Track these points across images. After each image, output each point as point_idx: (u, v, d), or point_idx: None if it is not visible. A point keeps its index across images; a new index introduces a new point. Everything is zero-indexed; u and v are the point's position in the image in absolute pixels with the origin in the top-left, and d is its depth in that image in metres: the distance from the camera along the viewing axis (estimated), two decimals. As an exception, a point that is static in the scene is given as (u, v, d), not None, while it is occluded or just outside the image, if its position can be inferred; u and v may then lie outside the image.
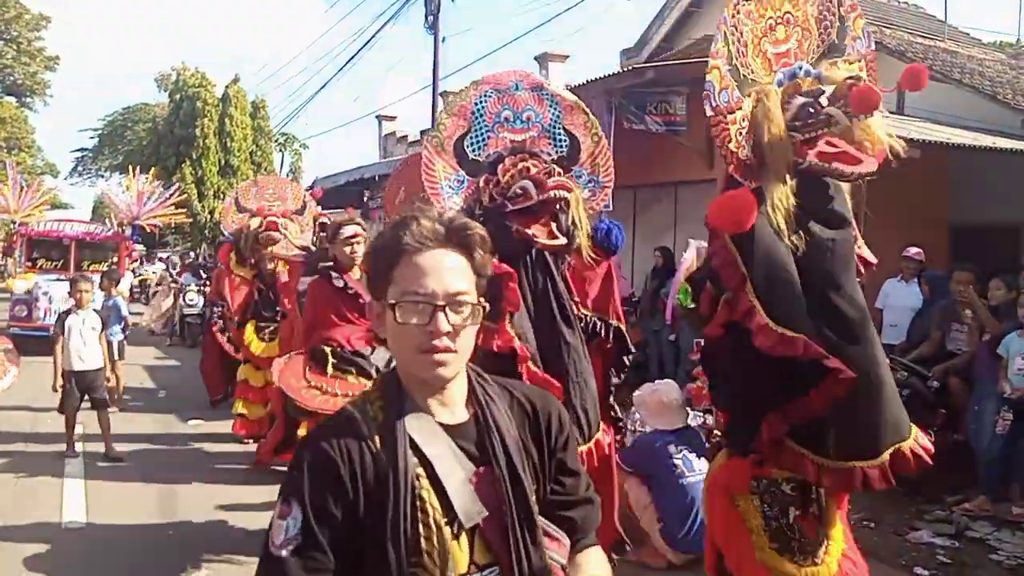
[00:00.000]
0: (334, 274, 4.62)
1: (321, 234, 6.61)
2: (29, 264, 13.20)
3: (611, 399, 3.88)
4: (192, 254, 24.02)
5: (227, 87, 28.58)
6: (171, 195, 14.80)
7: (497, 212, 3.29)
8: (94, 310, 6.72)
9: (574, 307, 3.58)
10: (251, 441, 6.83)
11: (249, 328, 6.81)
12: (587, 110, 3.64)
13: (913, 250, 7.28)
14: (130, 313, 9.94)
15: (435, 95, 16.91)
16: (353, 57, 27.01)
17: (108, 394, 6.78)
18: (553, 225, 3.39)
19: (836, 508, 2.71)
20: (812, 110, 2.47)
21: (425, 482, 1.32)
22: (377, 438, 1.33)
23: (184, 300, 13.19)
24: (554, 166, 3.47)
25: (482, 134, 3.51)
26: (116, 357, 7.84)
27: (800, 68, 2.56)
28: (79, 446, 6.50)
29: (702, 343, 5.89)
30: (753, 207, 2.32)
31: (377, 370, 4.28)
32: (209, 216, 26.10)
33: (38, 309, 11.83)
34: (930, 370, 5.95)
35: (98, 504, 5.28)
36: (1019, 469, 5.37)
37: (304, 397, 4.34)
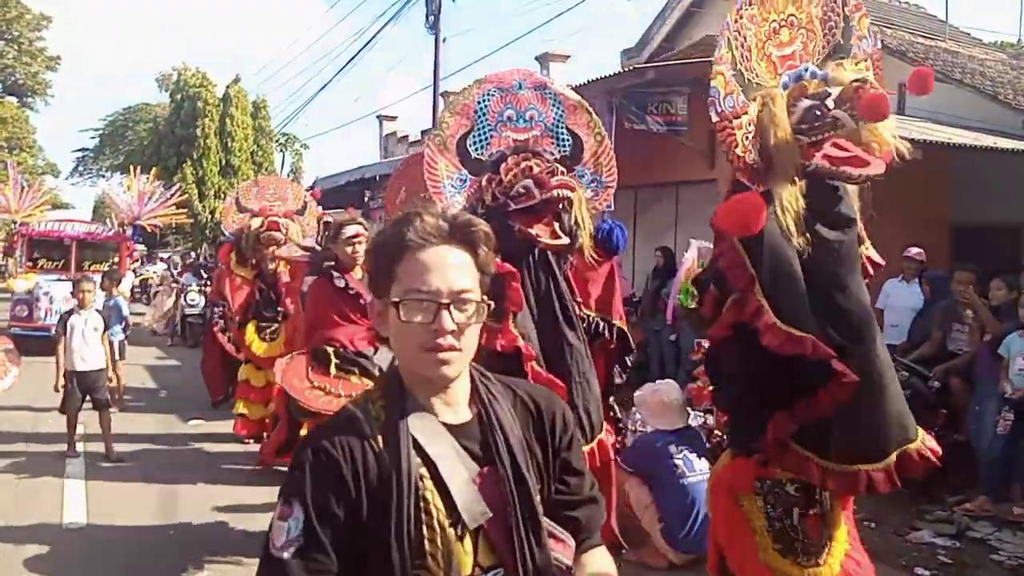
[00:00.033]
0: (335, 274, 4.60)
1: (325, 234, 6.60)
2: (30, 264, 13.19)
3: (611, 399, 3.88)
4: (193, 254, 24.01)
5: (228, 87, 28.59)
6: (172, 195, 14.80)
7: (499, 211, 3.29)
8: (96, 310, 6.72)
9: (576, 307, 3.57)
10: (252, 441, 6.83)
11: (250, 328, 6.81)
12: (590, 109, 3.64)
13: (914, 250, 7.28)
14: (131, 313, 9.95)
15: (436, 95, 16.91)
16: (354, 57, 26.97)
17: (109, 394, 6.77)
18: (556, 225, 3.39)
19: (840, 509, 2.70)
20: (818, 113, 2.47)
21: (429, 483, 1.30)
22: (380, 438, 1.31)
23: (185, 300, 13.19)
24: (557, 165, 3.47)
25: (485, 133, 3.51)
26: (117, 357, 7.84)
27: (806, 70, 2.56)
28: (80, 446, 6.50)
29: (704, 344, 5.91)
30: (762, 210, 2.32)
31: (380, 371, 4.27)
32: (210, 216, 26.09)
33: (39, 309, 11.82)
34: (931, 370, 5.95)
35: (99, 504, 5.28)
36: (1020, 469, 5.38)
37: (307, 398, 4.32)
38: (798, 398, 2.47)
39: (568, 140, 3.57)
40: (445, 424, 1.35)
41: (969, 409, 5.79)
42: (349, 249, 4.58)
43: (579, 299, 3.65)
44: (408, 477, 1.27)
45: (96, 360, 6.45)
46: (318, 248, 6.32)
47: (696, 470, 4.41)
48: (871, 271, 2.74)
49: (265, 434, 6.83)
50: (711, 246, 7.11)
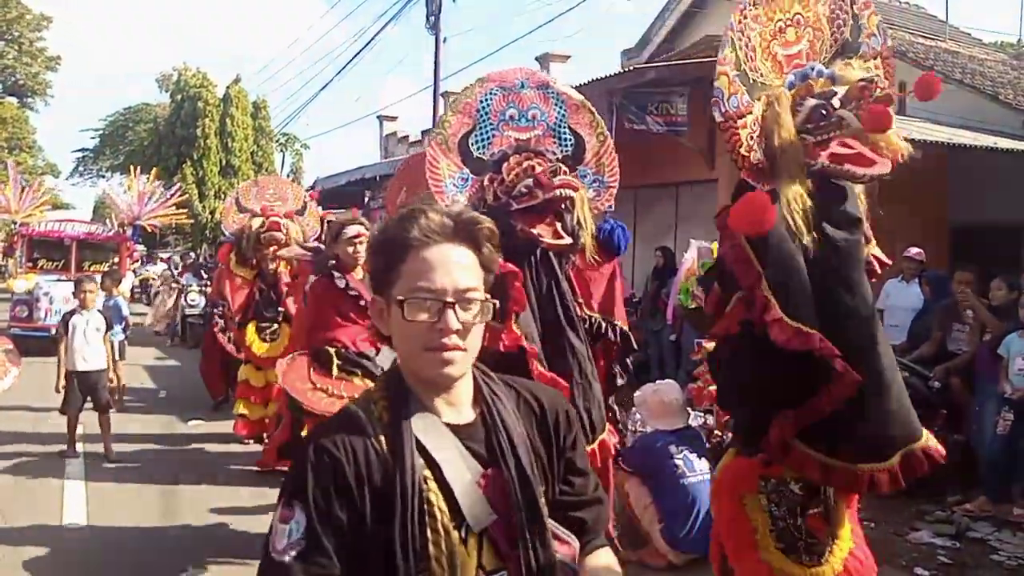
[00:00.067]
0: (336, 274, 4.57)
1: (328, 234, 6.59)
2: (30, 264, 13.19)
3: (611, 400, 3.87)
4: (193, 254, 24.01)
5: (228, 87, 28.62)
6: (172, 195, 14.80)
7: (501, 211, 3.28)
8: (98, 311, 6.72)
9: (578, 308, 3.57)
10: (252, 441, 6.83)
11: (250, 328, 6.80)
12: (593, 109, 3.62)
13: (914, 250, 7.29)
14: (131, 314, 9.95)
15: (436, 95, 16.92)
16: (354, 57, 27.01)
17: (109, 394, 6.76)
18: (558, 225, 3.38)
19: (845, 507, 2.70)
20: (824, 112, 2.47)
21: (432, 485, 1.27)
22: (382, 438, 1.28)
23: (186, 300, 13.19)
24: (560, 164, 3.46)
25: (487, 132, 3.49)
26: (117, 357, 7.84)
27: (812, 69, 2.55)
28: (80, 447, 6.50)
29: (704, 344, 5.91)
30: (772, 209, 2.32)
31: (383, 372, 4.24)
32: (210, 216, 26.11)
33: (39, 309, 11.82)
34: (931, 370, 5.95)
35: (99, 505, 5.28)
36: (1020, 469, 5.37)
37: (310, 400, 4.28)
38: (802, 397, 2.47)
39: (570, 140, 3.56)
40: (448, 425, 1.32)
41: (969, 409, 5.79)
42: (350, 249, 4.56)
43: (580, 300, 3.65)
44: (412, 479, 1.25)
45: (97, 360, 6.45)
46: (323, 248, 6.31)
47: (696, 470, 4.41)
48: (878, 270, 2.74)
49: (265, 435, 6.82)
50: (711, 246, 7.16)
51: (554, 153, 3.52)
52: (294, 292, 6.46)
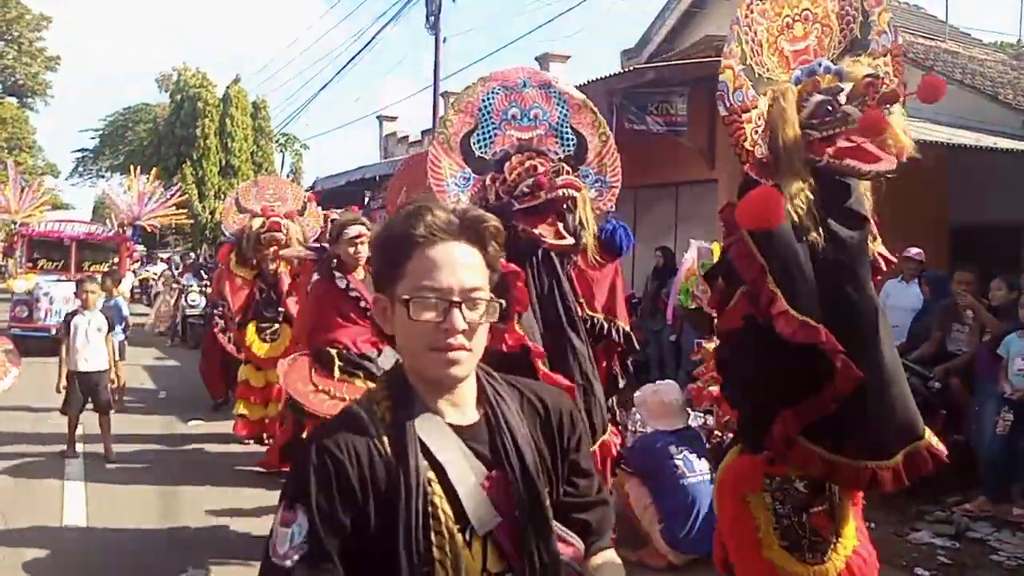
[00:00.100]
0: (337, 274, 4.55)
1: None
2: (30, 265, 13.18)
3: (611, 401, 3.87)
4: (192, 254, 24.02)
5: (228, 87, 28.62)
6: (172, 196, 14.80)
7: (503, 211, 3.28)
8: (100, 311, 6.72)
9: (579, 309, 3.56)
10: (252, 442, 6.83)
11: (250, 329, 6.80)
12: (595, 109, 3.62)
13: (913, 250, 7.29)
14: (131, 314, 9.94)
15: (436, 95, 16.92)
16: (354, 57, 26.99)
17: (111, 395, 6.75)
18: (560, 225, 3.37)
19: (850, 505, 2.70)
20: (830, 108, 2.46)
21: (437, 487, 1.25)
22: (385, 439, 1.25)
23: (186, 301, 13.19)
24: (562, 164, 3.45)
25: (489, 131, 3.49)
26: (117, 357, 7.84)
27: (819, 65, 2.55)
28: (79, 447, 6.49)
29: (704, 344, 5.91)
30: (781, 205, 2.31)
31: (384, 372, 4.21)
32: (210, 216, 26.11)
33: (39, 310, 11.82)
34: (931, 371, 5.95)
35: (99, 506, 5.28)
36: (1020, 470, 5.37)
37: (312, 402, 4.24)
38: (806, 392, 2.47)
39: (572, 139, 3.55)
40: (452, 426, 1.30)
41: (969, 409, 5.79)
42: (351, 249, 4.53)
43: (582, 300, 3.64)
44: (416, 481, 1.22)
45: (99, 361, 6.44)
46: (327, 247, 6.30)
47: (696, 471, 4.41)
48: (883, 267, 2.73)
49: (265, 435, 6.83)
50: (711, 246, 7.15)
51: (556, 153, 3.51)
52: (296, 292, 6.45)
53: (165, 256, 25.33)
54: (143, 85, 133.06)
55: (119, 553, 4.52)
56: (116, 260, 13.60)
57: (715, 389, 5.48)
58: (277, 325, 6.79)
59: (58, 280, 12.37)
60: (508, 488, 1.28)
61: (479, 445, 1.30)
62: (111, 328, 6.68)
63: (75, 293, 6.82)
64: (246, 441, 6.82)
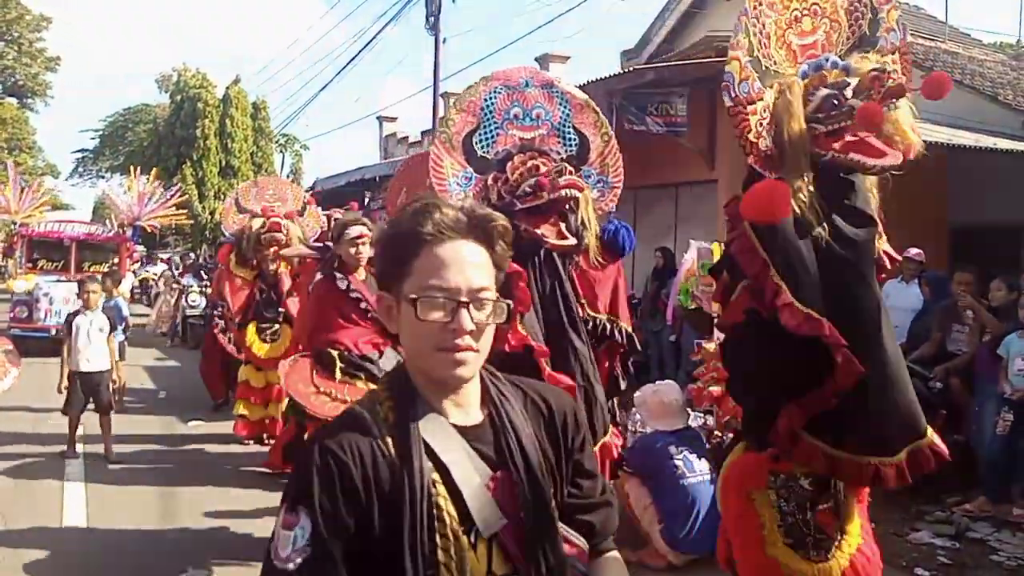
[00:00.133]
0: (338, 275, 4.53)
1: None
2: (30, 265, 13.18)
3: (612, 402, 3.86)
4: (192, 255, 24.03)
5: (228, 88, 28.64)
6: (172, 196, 14.80)
7: (505, 211, 3.27)
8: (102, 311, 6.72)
9: (580, 309, 3.55)
10: (252, 442, 6.83)
11: (251, 329, 6.80)
12: (597, 109, 3.61)
13: (913, 251, 7.29)
14: (131, 314, 9.94)
15: (436, 96, 16.93)
16: (354, 58, 27.01)
17: (112, 395, 6.74)
18: (562, 225, 3.37)
19: (855, 502, 2.69)
20: (836, 102, 2.46)
21: (441, 488, 1.22)
22: (389, 440, 1.23)
23: (187, 301, 13.19)
24: (565, 164, 3.44)
25: (491, 131, 3.48)
26: (117, 358, 7.84)
27: (827, 60, 2.54)
28: (79, 447, 6.49)
29: (704, 344, 5.91)
30: (787, 198, 2.31)
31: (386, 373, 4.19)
32: (210, 217, 26.13)
33: (39, 310, 11.82)
34: (931, 371, 5.95)
35: (99, 506, 5.28)
36: (1020, 470, 5.37)
37: (313, 404, 4.23)
38: (808, 386, 2.47)
39: (575, 140, 3.54)
40: (455, 426, 1.28)
41: (969, 409, 5.79)
42: (353, 250, 4.51)
43: (583, 301, 3.63)
44: (421, 482, 1.20)
45: (101, 361, 6.44)
46: (330, 246, 6.29)
47: (696, 471, 4.41)
48: (888, 265, 2.73)
49: (265, 435, 6.83)
50: (711, 247, 7.14)
51: (558, 153, 3.51)
52: (297, 292, 6.43)
53: (165, 256, 25.34)
54: (143, 85, 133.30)
55: (119, 553, 4.52)
56: (116, 260, 13.60)
57: (715, 389, 5.49)
58: (277, 325, 6.80)
59: (58, 280, 12.38)
60: (513, 489, 1.27)
61: (483, 446, 1.28)
62: (113, 328, 6.67)
63: (77, 293, 6.82)
64: (246, 441, 6.82)
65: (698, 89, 9.11)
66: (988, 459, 5.45)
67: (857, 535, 2.67)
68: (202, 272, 14.98)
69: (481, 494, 1.25)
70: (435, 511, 1.21)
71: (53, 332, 11.27)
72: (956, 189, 8.85)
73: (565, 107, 3.53)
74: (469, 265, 1.25)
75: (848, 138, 2.45)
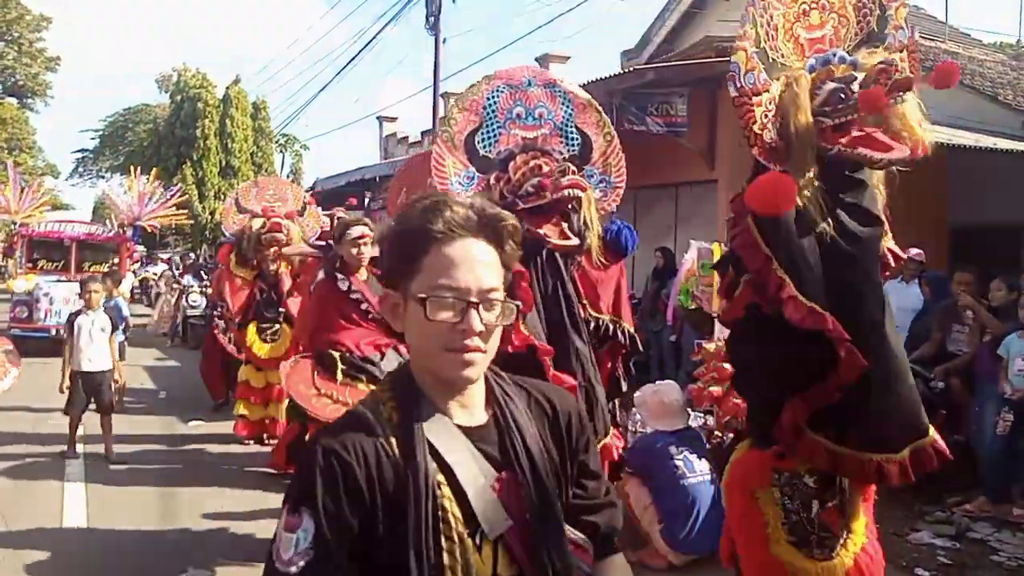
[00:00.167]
0: (339, 276, 4.52)
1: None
2: (30, 265, 13.18)
3: (613, 403, 3.85)
4: (192, 255, 24.03)
5: (228, 88, 28.65)
6: (172, 196, 14.81)
7: (507, 210, 3.26)
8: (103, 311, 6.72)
9: (581, 310, 3.54)
10: (252, 442, 6.83)
11: (251, 329, 6.80)
12: (600, 108, 3.59)
13: (913, 251, 7.28)
14: (132, 315, 9.93)
15: (436, 96, 16.94)
16: (354, 58, 27.01)
17: (118, 394, 6.73)
18: (564, 225, 3.36)
19: (861, 501, 2.69)
20: (843, 96, 2.45)
21: (446, 490, 1.20)
22: (393, 440, 1.21)
23: (187, 301, 13.19)
24: (568, 164, 3.44)
25: (493, 130, 3.47)
26: (117, 358, 7.85)
27: (834, 55, 2.54)
28: (79, 447, 6.49)
29: (704, 344, 5.91)
30: (792, 191, 2.30)
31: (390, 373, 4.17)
32: (210, 217, 26.14)
33: (39, 310, 11.82)
34: (931, 371, 5.95)
35: (99, 506, 5.28)
36: (1020, 470, 5.37)
37: (315, 407, 4.21)
38: (810, 381, 2.47)
39: (577, 139, 3.53)
40: (460, 427, 1.26)
41: (969, 410, 5.79)
42: (354, 250, 4.50)
43: (585, 301, 3.62)
44: (425, 484, 1.18)
45: (103, 361, 6.44)
46: (332, 245, 6.27)
47: (696, 471, 4.41)
48: (891, 263, 2.73)
49: (265, 435, 6.84)
50: (711, 247, 7.13)
51: (561, 152, 3.49)
52: (299, 292, 6.42)
53: (165, 256, 25.33)
54: (143, 85, 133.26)
55: (119, 554, 4.52)
56: (116, 260, 13.61)
57: (715, 389, 5.49)
58: (278, 326, 6.80)
59: (58, 280, 12.39)
60: (519, 490, 1.25)
61: (488, 446, 1.26)
62: (115, 328, 6.67)
63: (79, 293, 6.82)
64: (246, 441, 6.83)
65: (698, 89, 9.11)
66: (988, 459, 5.45)
67: (862, 534, 2.67)
68: (202, 272, 14.99)
69: (486, 495, 1.23)
70: (440, 513, 1.19)
71: (53, 332, 11.28)
72: (956, 189, 8.85)
73: (568, 106, 3.52)
74: (479, 264, 1.23)
75: (855, 133, 2.45)
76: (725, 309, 2.70)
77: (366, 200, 15.54)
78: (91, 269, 12.58)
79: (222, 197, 24.72)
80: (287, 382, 4.41)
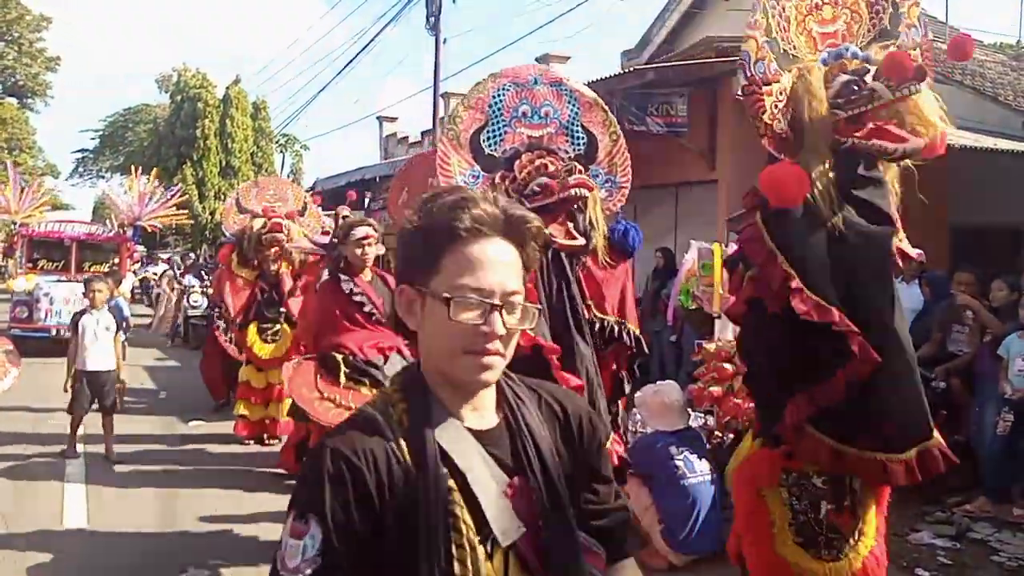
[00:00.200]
0: (343, 277, 4.50)
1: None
2: (30, 265, 13.17)
3: (616, 405, 3.83)
4: (192, 255, 24.02)
5: (228, 88, 28.64)
6: (172, 196, 14.80)
7: None
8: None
9: (586, 311, 3.53)
10: (252, 442, 6.83)
11: (251, 329, 6.80)
12: (606, 108, 3.58)
13: (914, 251, 7.28)
14: (132, 314, 9.93)
15: (436, 96, 16.93)
16: (354, 58, 27.04)
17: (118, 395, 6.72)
18: (570, 225, 3.35)
19: (873, 503, 2.67)
20: (856, 87, 2.44)
21: (457, 496, 1.16)
22: (404, 444, 1.17)
23: (188, 302, 13.19)
24: (575, 163, 3.42)
25: (499, 128, 3.45)
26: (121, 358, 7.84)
27: (847, 50, 2.53)
28: (80, 447, 6.49)
29: (705, 344, 5.90)
30: (805, 185, 2.30)
31: (397, 373, 4.14)
32: (210, 217, 26.13)
33: (39, 310, 11.82)
34: (931, 371, 5.95)
35: (99, 507, 5.27)
36: (1020, 470, 5.37)
37: (316, 410, 4.20)
38: (817, 380, 2.46)
39: (583, 139, 3.51)
40: (470, 430, 1.22)
41: (969, 410, 5.79)
42: (359, 251, 4.47)
43: (590, 302, 3.60)
44: (436, 490, 1.14)
45: (107, 360, 6.43)
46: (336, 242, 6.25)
47: (696, 471, 4.41)
48: (900, 263, 2.72)
49: (266, 436, 6.83)
50: (711, 247, 7.12)
51: (566, 152, 3.48)
52: (303, 293, 6.41)
53: (166, 257, 25.31)
54: (143, 85, 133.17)
55: (120, 554, 4.52)
56: (116, 260, 13.60)
57: (716, 390, 5.49)
58: (278, 326, 6.80)
59: (58, 280, 12.38)
60: (531, 495, 1.21)
61: (499, 450, 1.23)
62: (118, 328, 6.67)
63: (83, 293, 6.82)
64: (246, 442, 6.83)
65: (699, 89, 9.11)
66: (988, 459, 5.45)
67: (872, 536, 2.65)
68: (202, 272, 14.97)
69: (499, 501, 1.19)
70: (451, 520, 1.15)
71: (53, 332, 11.30)
72: (956, 189, 8.82)
73: (574, 105, 3.51)
74: (502, 266, 1.19)
75: (869, 125, 2.44)
76: (731, 304, 2.69)
77: (366, 200, 15.53)
78: (91, 269, 12.58)
79: (222, 197, 24.72)
80: (290, 385, 4.40)
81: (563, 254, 3.40)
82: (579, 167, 3.40)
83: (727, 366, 5.48)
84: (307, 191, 10.54)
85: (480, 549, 1.16)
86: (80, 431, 6.55)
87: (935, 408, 5.53)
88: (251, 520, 4.98)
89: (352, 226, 4.61)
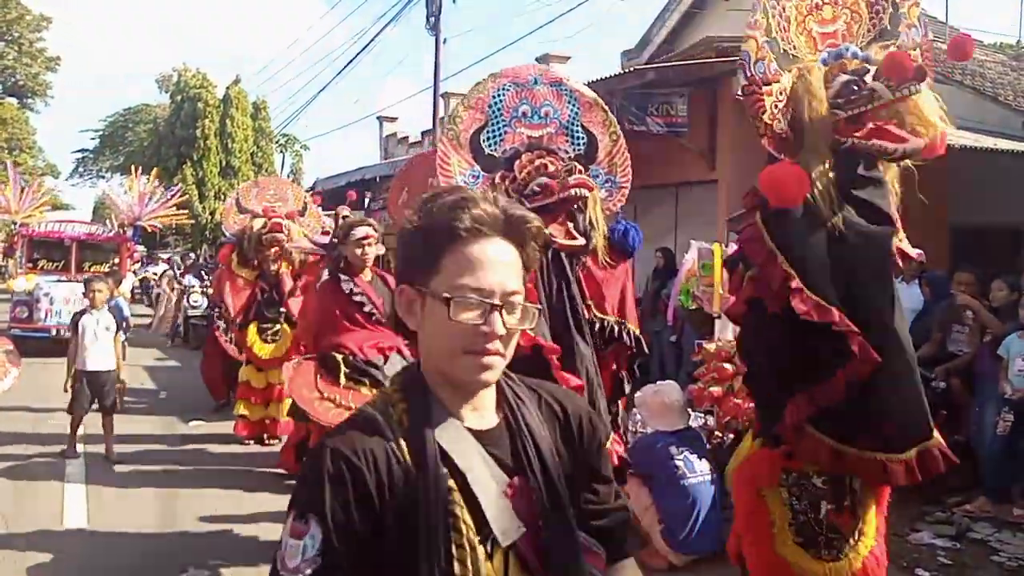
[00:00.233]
0: (343, 277, 4.51)
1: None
2: (30, 265, 13.17)
3: (616, 406, 3.83)
4: (192, 255, 24.02)
5: (228, 88, 28.64)
6: (172, 196, 14.80)
7: None
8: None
9: (586, 311, 3.53)
10: (252, 442, 6.83)
11: (252, 329, 6.80)
12: (606, 108, 3.58)
13: (914, 251, 7.28)
14: (132, 314, 9.93)
15: (436, 96, 16.94)
16: (354, 58, 27.02)
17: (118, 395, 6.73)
18: (570, 225, 3.35)
19: (873, 503, 2.67)
20: (856, 87, 2.44)
21: (457, 496, 1.16)
22: (404, 444, 1.17)
23: (188, 302, 13.19)
24: (575, 163, 3.42)
25: (499, 128, 3.45)
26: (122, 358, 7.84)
27: (847, 50, 2.53)
28: (79, 447, 6.49)
29: (705, 344, 5.90)
30: (805, 186, 2.29)
31: (397, 373, 4.14)
32: (210, 217, 26.14)
33: (39, 310, 11.82)
34: (931, 371, 5.95)
35: (99, 507, 5.27)
36: (1020, 470, 5.37)
37: (316, 410, 4.20)
38: (817, 380, 2.46)
39: (583, 139, 3.51)
40: (470, 430, 1.22)
41: (969, 410, 5.79)
42: (359, 251, 4.48)
43: (590, 302, 3.61)
44: (436, 490, 1.15)
45: (107, 360, 6.44)
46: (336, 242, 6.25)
47: (696, 471, 4.41)
48: (900, 263, 2.72)
49: (266, 436, 6.83)
50: (711, 247, 7.12)
51: (566, 152, 3.48)
52: (304, 293, 6.41)
53: (166, 256, 25.31)
54: (143, 85, 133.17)
55: (119, 554, 4.52)
56: (116, 260, 13.60)
57: (716, 390, 5.49)
58: (278, 326, 6.80)
59: (58, 280, 12.38)
60: (531, 495, 1.21)
61: (498, 450, 1.23)
62: (118, 328, 6.67)
63: (83, 293, 6.83)
64: (246, 442, 6.83)
65: (699, 89, 9.11)
66: (988, 459, 5.45)
67: (872, 536, 2.66)
68: (202, 272, 14.96)
69: (499, 502, 1.19)
70: (451, 520, 1.15)
71: (53, 332, 11.30)
72: (956, 189, 8.82)
73: (574, 105, 3.50)
74: (503, 266, 1.20)
75: (869, 125, 2.44)
76: (731, 304, 2.70)
77: (366, 200, 15.52)
78: (91, 269, 12.59)
79: (222, 197, 24.71)
80: (290, 385, 4.40)
81: (563, 254, 3.40)
82: (579, 167, 3.40)
83: (727, 366, 5.49)
84: (307, 191, 10.54)
85: (480, 549, 1.16)
86: (80, 431, 6.55)
87: (935, 408, 5.53)
88: (251, 520, 4.98)
89: (352, 226, 4.61)
